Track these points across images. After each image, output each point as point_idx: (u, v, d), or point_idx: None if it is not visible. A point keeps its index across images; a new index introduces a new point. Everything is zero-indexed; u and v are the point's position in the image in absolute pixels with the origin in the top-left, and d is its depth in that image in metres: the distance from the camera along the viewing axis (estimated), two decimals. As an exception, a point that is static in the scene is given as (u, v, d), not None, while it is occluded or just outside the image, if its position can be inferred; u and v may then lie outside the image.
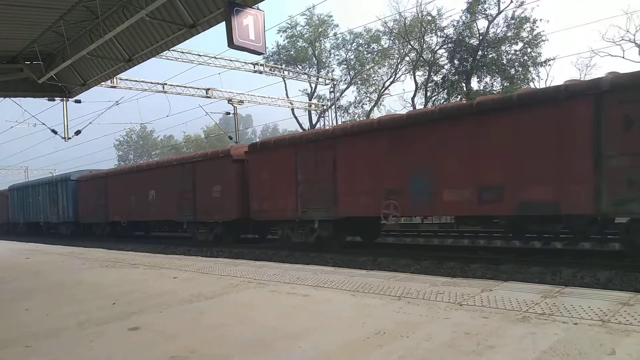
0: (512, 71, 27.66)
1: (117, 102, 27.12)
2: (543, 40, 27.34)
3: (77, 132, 25.33)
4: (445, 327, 3.83)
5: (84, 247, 15.17)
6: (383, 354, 3.30)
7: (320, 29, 38.12)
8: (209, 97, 27.63)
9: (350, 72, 37.76)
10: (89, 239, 22.85)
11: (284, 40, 38.40)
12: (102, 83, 20.23)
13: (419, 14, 30.97)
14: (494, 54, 28.08)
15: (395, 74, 36.88)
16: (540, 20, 27.31)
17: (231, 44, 7.26)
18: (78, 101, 22.48)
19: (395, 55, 36.14)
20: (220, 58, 25.39)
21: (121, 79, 24.05)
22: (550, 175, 9.20)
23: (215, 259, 10.50)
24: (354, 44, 37.23)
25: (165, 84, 26.12)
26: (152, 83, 25.76)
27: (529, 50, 27.67)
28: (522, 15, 27.24)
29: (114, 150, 78.55)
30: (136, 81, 25.04)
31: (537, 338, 3.43)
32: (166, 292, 6.07)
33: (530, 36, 27.44)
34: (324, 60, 39.08)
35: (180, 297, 5.69)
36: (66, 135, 24.83)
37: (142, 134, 78.09)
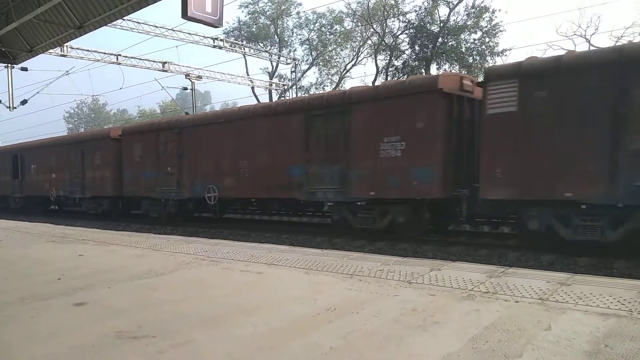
0: (470, 60, 28.25)
1: (67, 71, 25.82)
2: (501, 31, 28.02)
3: (23, 102, 24.04)
4: (394, 304, 3.93)
5: (29, 222, 14.54)
6: (332, 329, 3.35)
7: (283, 7, 37.51)
8: (166, 71, 26.70)
9: (312, 53, 37.49)
10: (36, 214, 21.81)
11: (245, 16, 37.63)
12: (51, 50, 19.21)
13: (382, -3, 31.02)
14: (453, 42, 28.54)
15: (357, 57, 36.95)
16: (499, 10, 27.97)
17: (185, 15, 7.01)
18: (24, 69, 21.33)
19: (358, 38, 36.14)
20: (178, 31, 24.54)
21: (72, 48, 22.86)
22: None
23: (168, 236, 10.32)
24: (317, 24, 36.92)
25: (120, 55, 25.02)
26: (105, 53, 24.60)
27: (487, 39, 28.28)
28: (482, 4, 27.78)
29: (64, 122, 75.28)
30: (88, 50, 23.84)
31: (481, 315, 3.58)
32: (115, 268, 5.92)
33: (489, 26, 28.03)
34: (286, 39, 38.57)
35: (129, 273, 5.57)
36: (11, 105, 23.48)
37: (93, 106, 75.03)
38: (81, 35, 11.21)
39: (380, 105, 10.71)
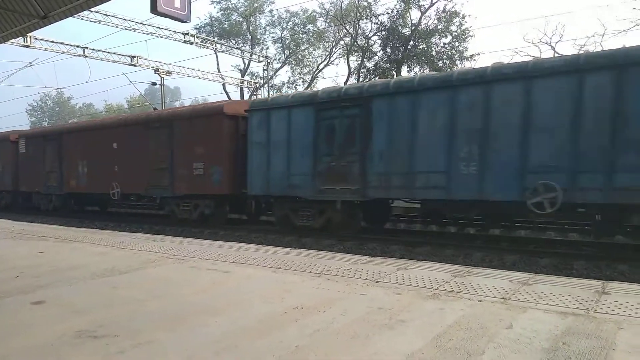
0: (440, 63, 28.67)
1: (30, 63, 25.07)
2: (470, 36, 28.53)
3: (-18, 93, 23.16)
4: (361, 303, 3.95)
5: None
6: (299, 327, 3.34)
7: (256, 4, 37.24)
8: (134, 65, 26.13)
9: (285, 52, 37.35)
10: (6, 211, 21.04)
11: (217, 12, 37.19)
12: (13, 40, 18.52)
13: (356, -1, 31.18)
14: (424, 45, 28.90)
15: (330, 57, 37.03)
16: (469, 16, 28.47)
17: (154, 10, 6.90)
18: (-16, 58, 20.54)
19: (330, 38, 36.21)
20: (147, 25, 24.03)
21: (36, 38, 22.10)
22: None
23: (133, 234, 10.09)
24: (290, 22, 36.81)
25: (86, 47, 24.34)
26: (71, 45, 23.88)
27: (456, 44, 28.77)
28: (453, 9, 28.23)
29: (26, 115, 72.85)
30: (53, 42, 23.10)
31: (445, 313, 3.64)
32: (77, 266, 5.75)
33: (459, 31, 28.52)
34: (258, 36, 38.29)
35: (92, 271, 5.42)
36: (-31, 95, 22.62)
37: (58, 99, 72.83)
38: (46, 25, 10.81)
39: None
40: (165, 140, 14.25)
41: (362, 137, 10.59)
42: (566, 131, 8.34)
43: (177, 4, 7.26)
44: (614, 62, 8.06)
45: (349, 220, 11.52)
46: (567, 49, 29.96)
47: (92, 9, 19.70)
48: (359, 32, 31.59)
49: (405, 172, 10.06)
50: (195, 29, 34.54)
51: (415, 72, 28.78)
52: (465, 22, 28.27)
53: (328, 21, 34.90)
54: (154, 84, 29.52)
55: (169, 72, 27.84)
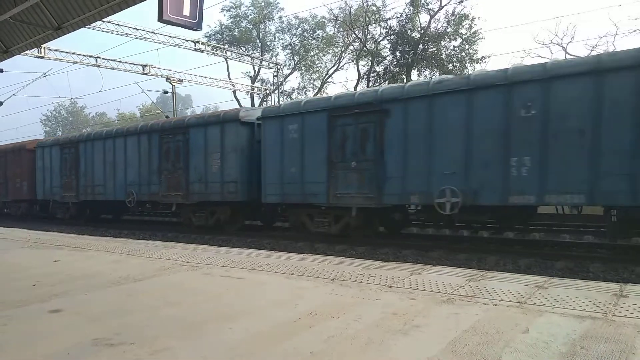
0: (450, 66, 28.57)
1: (44, 73, 25.47)
2: (480, 38, 28.43)
3: (-1, 104, 23.59)
4: (375, 308, 3.93)
5: (4, 227, 14.20)
6: (313, 334, 3.34)
7: (265, 11, 37.50)
8: (146, 74, 26.43)
9: (295, 58, 37.51)
10: (12, 220, 21.35)
11: (227, 20, 37.52)
12: (28, 52, 18.88)
13: (364, 4, 31.25)
14: (434, 49, 28.85)
15: (339, 62, 37.10)
16: (479, 18, 28.35)
17: (160, 18, 6.89)
18: (0, 70, 20.93)
19: (340, 44, 36.30)
20: (159, 33, 24.28)
21: (50, 49, 22.47)
22: None
23: (147, 241, 10.18)
24: (299, 29, 36.98)
25: (99, 57, 24.68)
26: (84, 55, 24.24)
27: (466, 47, 28.67)
28: (462, 12, 28.17)
29: (41, 125, 73.99)
30: (66, 52, 23.46)
31: (460, 318, 3.61)
32: (92, 274, 5.81)
33: (469, 33, 28.43)
34: (268, 43, 38.53)
35: (107, 279, 5.47)
36: (-14, 106, 23.08)
37: (72, 109, 73.81)
38: (59, 36, 10.99)
39: None
40: (3, 165, 22.59)
41: (76, 165, 18.72)
42: (140, 164, 15.91)
43: (187, 11, 7.27)
44: (157, 129, 15.80)
45: (81, 214, 19.33)
46: (579, 50, 29.72)
47: (104, 19, 19.98)
48: (368, 36, 31.64)
49: (95, 185, 17.89)
50: (205, 36, 34.90)
51: (425, 76, 28.72)
52: (475, 24, 28.20)
53: (337, 26, 35.01)
54: (166, 92, 29.80)
55: (180, 80, 28.10)
